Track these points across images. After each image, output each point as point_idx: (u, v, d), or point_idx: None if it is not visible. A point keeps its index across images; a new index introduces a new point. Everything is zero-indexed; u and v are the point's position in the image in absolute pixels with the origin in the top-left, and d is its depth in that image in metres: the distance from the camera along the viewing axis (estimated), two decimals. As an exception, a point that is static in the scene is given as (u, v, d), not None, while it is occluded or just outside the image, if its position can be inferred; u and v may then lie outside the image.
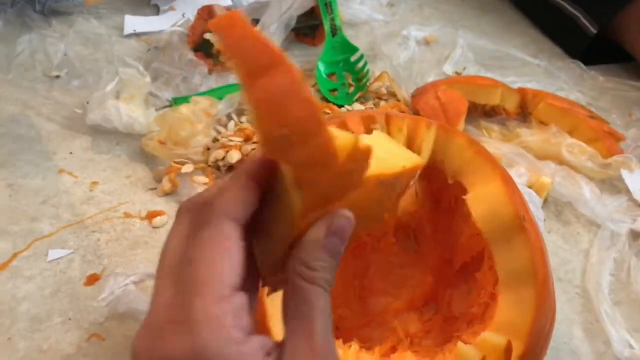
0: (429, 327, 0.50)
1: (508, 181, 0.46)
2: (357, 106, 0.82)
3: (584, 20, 0.93)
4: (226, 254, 0.26)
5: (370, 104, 0.83)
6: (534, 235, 0.43)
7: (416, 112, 0.79)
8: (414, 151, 0.47)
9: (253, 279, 0.30)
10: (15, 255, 0.62)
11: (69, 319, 0.57)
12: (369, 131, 0.46)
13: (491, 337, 0.39)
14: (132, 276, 0.55)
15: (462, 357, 0.38)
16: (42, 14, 0.95)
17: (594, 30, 0.91)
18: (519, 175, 0.70)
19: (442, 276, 0.53)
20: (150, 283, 0.60)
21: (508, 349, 0.38)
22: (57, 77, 0.85)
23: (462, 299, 0.50)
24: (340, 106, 0.81)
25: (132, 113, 0.76)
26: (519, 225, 0.42)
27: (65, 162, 0.73)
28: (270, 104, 0.25)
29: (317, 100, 0.28)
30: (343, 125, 0.45)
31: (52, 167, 0.73)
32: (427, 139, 0.47)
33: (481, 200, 0.44)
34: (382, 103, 0.83)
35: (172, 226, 0.31)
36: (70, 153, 0.75)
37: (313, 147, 0.26)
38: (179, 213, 0.31)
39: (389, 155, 0.38)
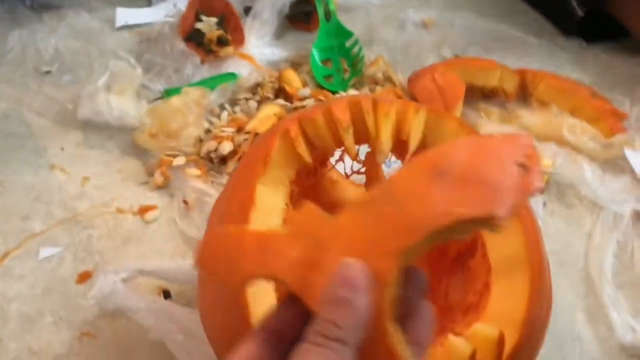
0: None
1: (501, 165, 0.44)
2: (353, 92, 0.80)
3: (574, 3, 0.90)
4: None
5: (365, 90, 0.81)
6: (528, 220, 0.41)
7: (413, 97, 0.77)
8: (402, 138, 0.45)
9: None
10: (6, 254, 0.62)
11: (60, 318, 0.56)
12: (356, 117, 0.44)
13: (483, 328, 0.37)
14: (122, 273, 0.54)
15: (452, 350, 0.36)
16: (33, 8, 0.94)
17: (581, 14, 0.88)
18: (519, 158, 0.68)
19: (438, 266, 0.51)
20: (141, 280, 0.59)
21: (500, 340, 0.36)
22: (48, 72, 0.84)
23: (459, 289, 0.48)
24: (335, 92, 0.80)
25: (124, 106, 0.75)
26: (512, 210, 0.40)
27: (57, 158, 0.73)
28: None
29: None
30: (328, 113, 0.43)
31: (43, 163, 0.72)
32: (416, 124, 0.45)
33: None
34: (378, 88, 0.81)
35: None
36: (62, 149, 0.74)
37: (251, 254, 0.28)
38: None
39: None
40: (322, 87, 0.81)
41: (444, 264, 0.50)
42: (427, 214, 0.24)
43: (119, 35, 0.93)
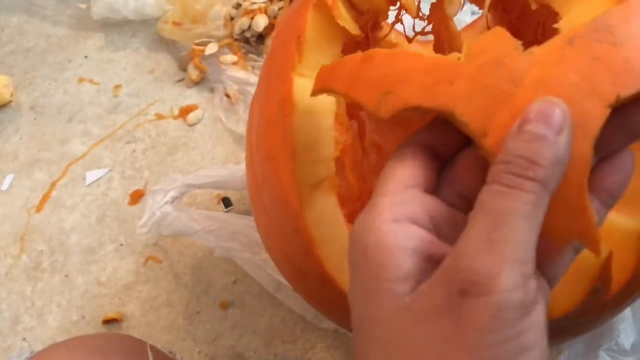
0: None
1: (618, -11, 0.32)
2: None
3: None
4: (400, 161, 0.23)
5: None
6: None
7: None
8: None
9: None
10: (53, 184, 0.57)
11: (121, 244, 0.53)
12: None
13: (619, 220, 0.28)
14: (170, 192, 0.48)
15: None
16: None
17: None
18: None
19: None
20: (198, 191, 0.53)
21: (643, 234, 0.27)
22: (53, -30, 0.74)
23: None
24: None
25: (139, -5, 0.65)
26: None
27: (83, 68, 0.65)
28: (354, 85, 0.24)
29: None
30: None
31: (70, 77, 0.65)
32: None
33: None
34: None
35: None
36: (86, 57, 0.66)
37: (417, 82, 0.23)
38: None
39: None
40: None
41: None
42: None
43: None
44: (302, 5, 0.34)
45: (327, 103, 0.32)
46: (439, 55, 0.23)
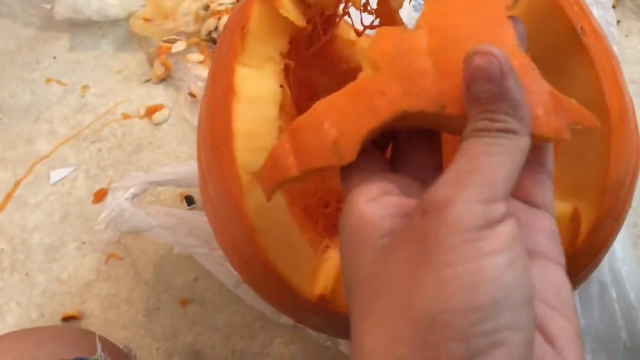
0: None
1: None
2: None
3: None
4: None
5: None
6: (600, 51, 0.30)
7: None
8: None
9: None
10: (17, 183, 0.57)
11: (83, 243, 0.53)
12: None
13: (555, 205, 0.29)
14: (131, 189, 0.48)
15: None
16: None
17: None
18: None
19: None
20: (161, 189, 0.53)
21: (575, 218, 0.28)
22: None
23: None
24: None
25: (103, -4, 0.65)
26: (576, 42, 0.30)
27: (51, 69, 0.65)
28: (303, 160, 0.24)
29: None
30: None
31: (38, 78, 0.65)
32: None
33: (517, 15, 0.32)
34: None
35: None
36: (54, 58, 0.66)
37: (354, 114, 0.23)
38: None
39: None
40: None
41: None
42: None
43: None
44: (250, -2, 0.34)
45: (272, 93, 0.32)
46: (350, 83, 0.23)
